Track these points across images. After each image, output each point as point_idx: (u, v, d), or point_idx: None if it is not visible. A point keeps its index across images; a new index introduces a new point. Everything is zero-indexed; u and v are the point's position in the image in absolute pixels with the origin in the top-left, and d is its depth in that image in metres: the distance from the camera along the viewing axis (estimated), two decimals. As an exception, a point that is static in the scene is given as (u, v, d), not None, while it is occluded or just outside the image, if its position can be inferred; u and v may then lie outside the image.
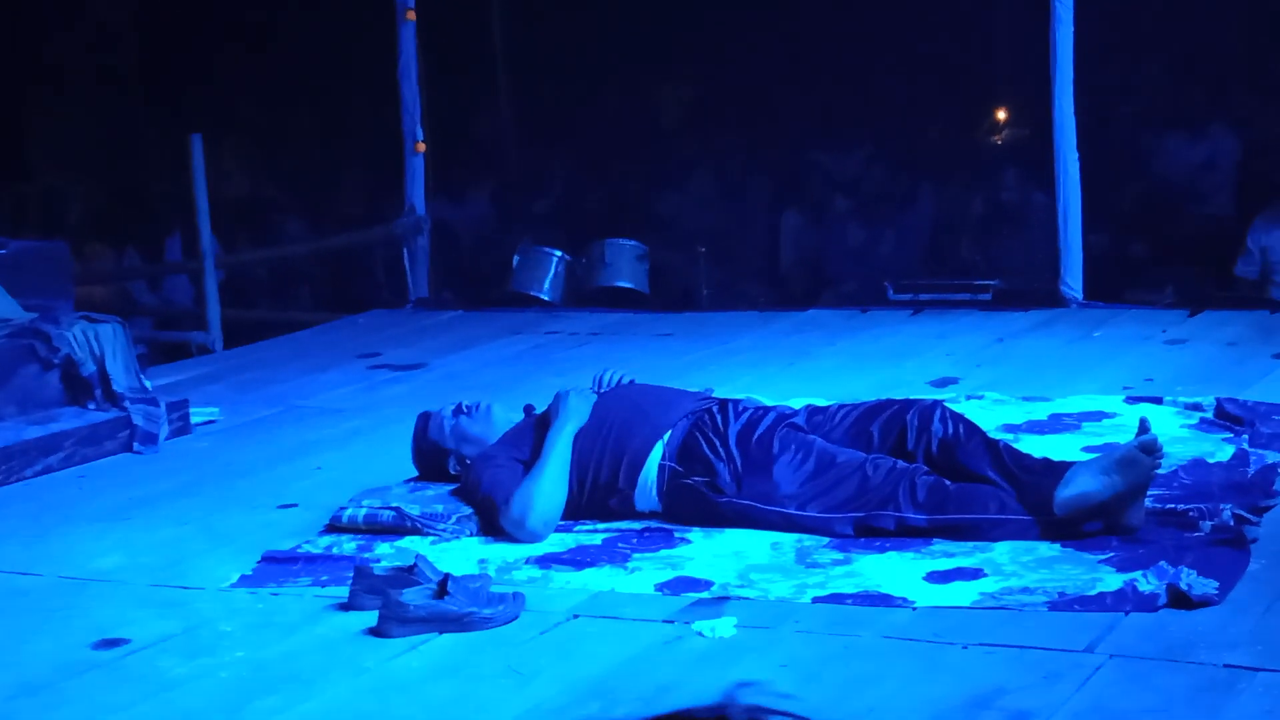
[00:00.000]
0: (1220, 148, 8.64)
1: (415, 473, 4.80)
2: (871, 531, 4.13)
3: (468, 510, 4.44)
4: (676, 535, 4.27)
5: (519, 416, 4.74)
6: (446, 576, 3.75)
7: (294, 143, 10.59)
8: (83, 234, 9.36)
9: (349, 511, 4.49)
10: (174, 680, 3.55)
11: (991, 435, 4.38)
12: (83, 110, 10.65)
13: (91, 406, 5.79)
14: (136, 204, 10.31)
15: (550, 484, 4.37)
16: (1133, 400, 5.33)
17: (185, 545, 4.52)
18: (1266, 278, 7.68)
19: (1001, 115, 9.71)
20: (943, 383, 5.88)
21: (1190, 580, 3.57)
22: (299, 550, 4.34)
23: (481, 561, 4.17)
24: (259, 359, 7.46)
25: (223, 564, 4.28)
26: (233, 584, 4.14)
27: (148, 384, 5.95)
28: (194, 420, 5.94)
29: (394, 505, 4.47)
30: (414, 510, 4.44)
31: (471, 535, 4.39)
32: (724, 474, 4.30)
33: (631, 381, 4.80)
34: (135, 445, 5.67)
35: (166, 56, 11.15)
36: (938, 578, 3.83)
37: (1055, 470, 4.09)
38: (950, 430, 4.30)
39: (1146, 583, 3.61)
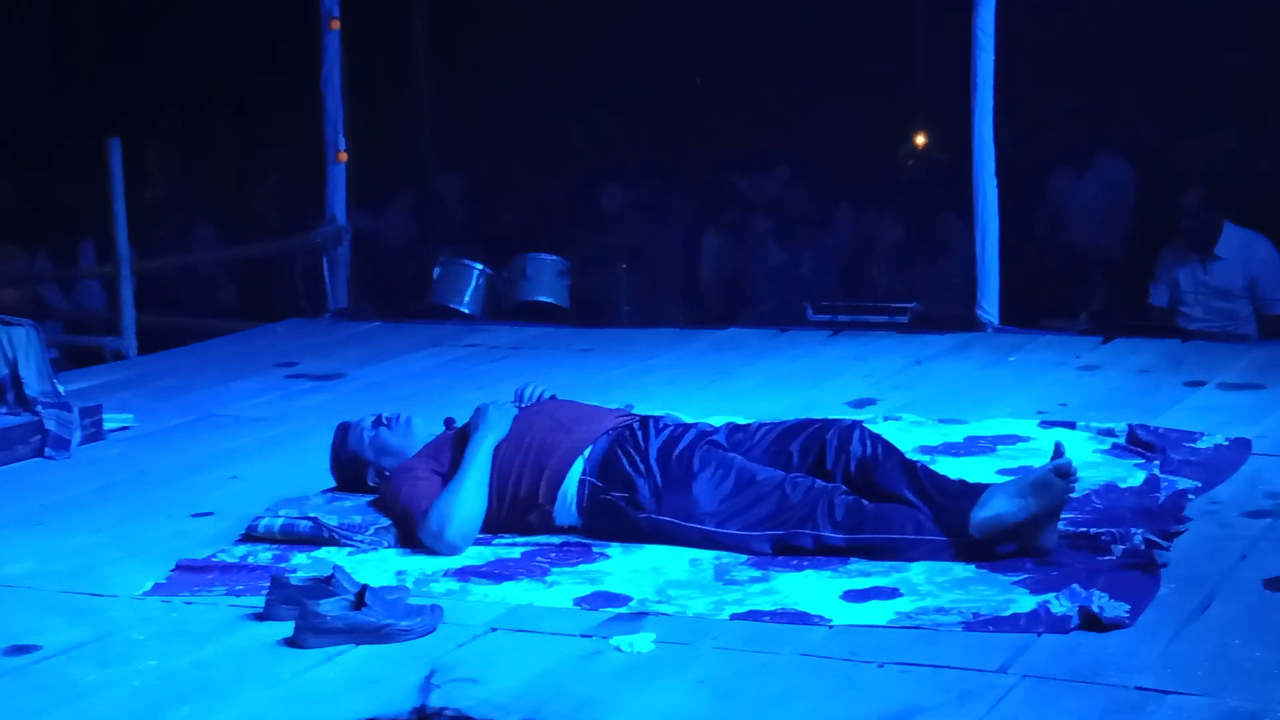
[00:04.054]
0: (1132, 179, 8.78)
1: (333, 483, 4.78)
2: (789, 550, 4.16)
3: (386, 521, 4.43)
4: (595, 550, 4.27)
5: (439, 429, 4.73)
6: (364, 588, 3.74)
7: (214, 148, 10.50)
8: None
9: (265, 521, 4.46)
10: (86, 688, 3.51)
11: (909, 456, 4.42)
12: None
13: (3, 410, 5.72)
14: (49, 207, 10.17)
15: (469, 497, 4.36)
16: (1047, 425, 5.39)
17: (98, 552, 4.47)
18: (1175, 306, 7.81)
19: (921, 140, 9.81)
20: (861, 404, 5.93)
21: (1102, 603, 3.62)
22: (214, 559, 4.31)
23: (399, 573, 4.16)
24: (174, 366, 7.39)
25: (136, 572, 4.24)
26: (146, 592, 4.10)
27: (61, 389, 5.88)
28: (108, 426, 5.87)
29: (311, 515, 4.45)
30: (332, 521, 4.42)
31: (389, 547, 4.38)
32: (644, 490, 4.31)
33: (553, 397, 4.80)
34: (47, 450, 5.60)
35: (83, 58, 11.03)
36: (855, 596, 3.86)
37: (971, 492, 4.13)
38: (868, 451, 4.33)
39: (1059, 605, 3.66)
